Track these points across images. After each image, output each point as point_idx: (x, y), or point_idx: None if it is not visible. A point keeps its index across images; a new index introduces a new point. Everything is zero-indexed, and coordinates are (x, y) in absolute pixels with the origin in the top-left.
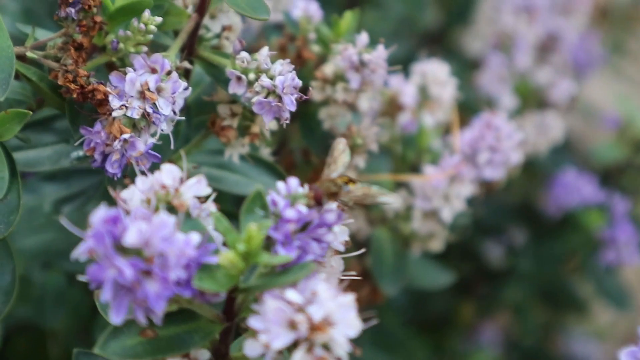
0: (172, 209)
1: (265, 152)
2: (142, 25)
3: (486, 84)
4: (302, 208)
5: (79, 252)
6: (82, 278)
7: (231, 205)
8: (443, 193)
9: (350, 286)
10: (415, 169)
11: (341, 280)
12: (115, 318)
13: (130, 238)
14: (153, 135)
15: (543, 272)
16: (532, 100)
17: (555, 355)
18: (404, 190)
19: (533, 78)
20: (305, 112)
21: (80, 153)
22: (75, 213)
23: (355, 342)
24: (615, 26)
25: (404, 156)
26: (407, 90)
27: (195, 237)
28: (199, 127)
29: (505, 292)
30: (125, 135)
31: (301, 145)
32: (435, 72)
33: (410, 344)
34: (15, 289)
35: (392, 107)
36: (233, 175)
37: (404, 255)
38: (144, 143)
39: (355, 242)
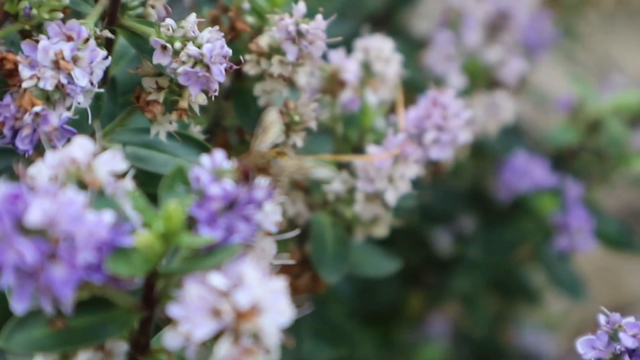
0: (83, 186)
1: (196, 130)
2: None
3: (433, 63)
4: (228, 184)
5: None
6: None
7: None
8: (387, 174)
9: (289, 273)
10: (358, 149)
11: (274, 265)
12: (18, 306)
13: (33, 217)
14: (68, 108)
15: (493, 260)
16: (481, 79)
17: (506, 347)
18: (346, 171)
19: (482, 57)
20: (240, 88)
21: None
22: None
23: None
24: (566, 10)
25: (345, 136)
26: (349, 67)
27: (108, 217)
28: (125, 105)
29: (454, 281)
30: (37, 108)
31: (235, 124)
32: (378, 48)
33: (356, 336)
34: None
35: (333, 85)
36: (160, 154)
37: (346, 242)
38: (58, 117)
39: (294, 227)
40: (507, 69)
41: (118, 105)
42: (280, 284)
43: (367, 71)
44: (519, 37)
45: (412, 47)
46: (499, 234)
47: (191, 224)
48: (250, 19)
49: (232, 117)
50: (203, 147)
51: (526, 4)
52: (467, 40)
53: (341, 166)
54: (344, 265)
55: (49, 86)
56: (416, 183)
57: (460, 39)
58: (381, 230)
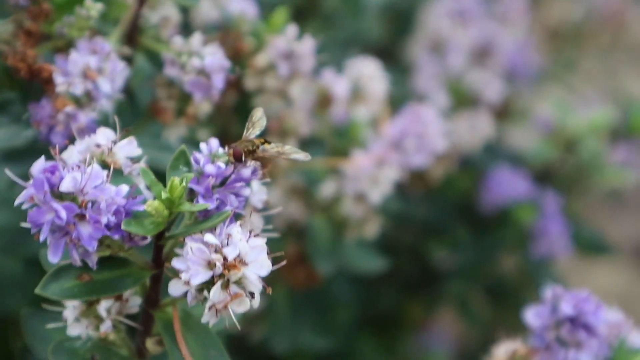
0: (105, 166)
1: (204, 135)
2: (84, 11)
3: (421, 85)
4: (221, 164)
5: (22, 199)
6: (25, 224)
7: None
8: (371, 176)
9: (288, 269)
10: (348, 158)
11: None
12: (53, 258)
13: (66, 185)
14: (94, 110)
15: (482, 265)
16: (465, 100)
17: None
18: (337, 176)
19: (467, 80)
20: (243, 102)
21: (30, 132)
22: None
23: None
24: (566, 44)
25: (338, 146)
26: (339, 83)
27: (125, 188)
28: (142, 114)
29: (450, 287)
30: (68, 109)
31: (240, 132)
32: (367, 68)
33: (356, 336)
34: None
35: (325, 100)
36: (171, 155)
37: (339, 241)
38: (85, 116)
39: (293, 229)
40: (489, 90)
41: (137, 114)
42: (261, 242)
43: (357, 90)
44: (503, 63)
45: (405, 75)
46: (486, 242)
47: (191, 197)
48: (250, 40)
49: (237, 127)
50: None
51: (512, 33)
52: (451, 63)
53: (333, 172)
54: (337, 259)
55: (78, 91)
56: (413, 201)
57: (446, 63)
58: (371, 230)
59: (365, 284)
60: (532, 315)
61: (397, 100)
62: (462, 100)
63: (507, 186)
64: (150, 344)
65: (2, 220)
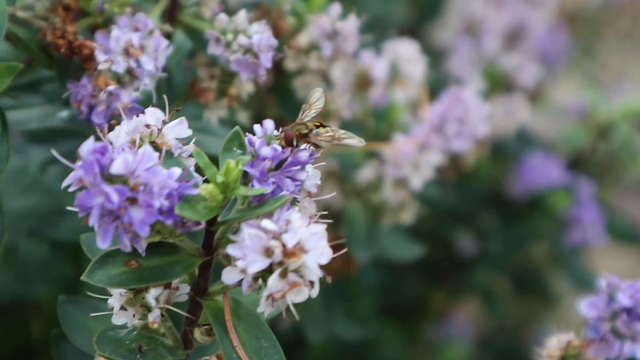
0: (156, 148)
1: (243, 117)
2: None
3: (455, 68)
4: (277, 147)
5: (69, 181)
6: (71, 208)
7: None
8: (412, 161)
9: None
10: (387, 141)
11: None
12: (102, 244)
13: (117, 167)
14: (137, 89)
15: (511, 254)
16: (500, 84)
17: (528, 352)
18: (376, 160)
19: (501, 63)
20: (281, 83)
21: (65, 114)
22: (61, 174)
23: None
24: (584, 30)
25: (376, 129)
26: (378, 65)
27: (177, 171)
28: (180, 95)
29: (475, 276)
30: (111, 88)
31: (277, 114)
32: (406, 50)
33: (381, 326)
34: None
35: (364, 82)
36: (212, 138)
37: (375, 226)
38: (128, 95)
39: (330, 213)
40: (524, 74)
41: (173, 95)
42: (321, 228)
43: (395, 72)
44: (535, 47)
45: (435, 59)
46: (516, 230)
47: (246, 181)
48: (290, 20)
49: (274, 108)
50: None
51: (543, 17)
52: (486, 46)
53: (372, 155)
54: (374, 246)
55: (120, 69)
56: (442, 187)
57: (480, 46)
58: (407, 217)
59: (389, 271)
60: (587, 306)
61: (430, 84)
62: (496, 84)
63: (540, 173)
64: (198, 334)
65: (30, 204)
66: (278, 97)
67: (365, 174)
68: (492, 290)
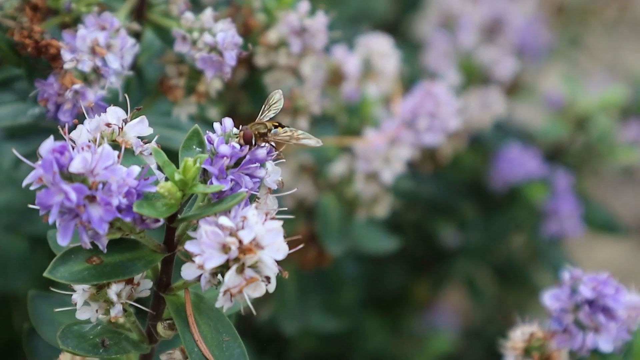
0: (116, 147)
1: (213, 113)
2: None
3: (431, 62)
4: (236, 145)
5: (30, 179)
6: (32, 206)
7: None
8: (383, 155)
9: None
10: (359, 136)
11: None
12: (62, 241)
13: (76, 165)
14: (103, 87)
15: (492, 245)
16: (476, 77)
17: None
18: (348, 155)
19: (477, 57)
20: (253, 80)
21: (36, 110)
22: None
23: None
24: (571, 20)
25: (348, 124)
26: (350, 60)
27: (136, 169)
28: (150, 92)
29: (458, 266)
30: (77, 86)
31: (250, 110)
32: (378, 45)
33: (363, 317)
34: None
35: (336, 77)
36: (181, 134)
37: (349, 220)
38: (94, 94)
39: (303, 208)
40: (500, 67)
41: (145, 92)
42: (277, 225)
43: (368, 67)
44: (514, 40)
45: (414, 52)
46: (496, 221)
47: (205, 179)
48: (260, 17)
49: (246, 105)
50: None
51: (522, 9)
52: (462, 40)
53: (344, 150)
54: (347, 239)
55: (87, 68)
56: (421, 179)
57: (456, 39)
58: (381, 210)
59: (371, 262)
60: (550, 298)
61: (407, 78)
62: (473, 77)
63: (517, 164)
64: (161, 328)
65: (6, 199)
66: (250, 93)
67: (338, 168)
68: (475, 280)
